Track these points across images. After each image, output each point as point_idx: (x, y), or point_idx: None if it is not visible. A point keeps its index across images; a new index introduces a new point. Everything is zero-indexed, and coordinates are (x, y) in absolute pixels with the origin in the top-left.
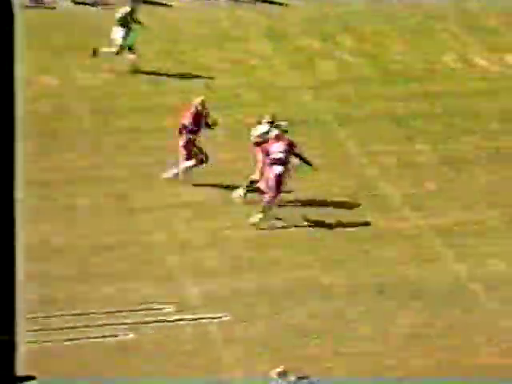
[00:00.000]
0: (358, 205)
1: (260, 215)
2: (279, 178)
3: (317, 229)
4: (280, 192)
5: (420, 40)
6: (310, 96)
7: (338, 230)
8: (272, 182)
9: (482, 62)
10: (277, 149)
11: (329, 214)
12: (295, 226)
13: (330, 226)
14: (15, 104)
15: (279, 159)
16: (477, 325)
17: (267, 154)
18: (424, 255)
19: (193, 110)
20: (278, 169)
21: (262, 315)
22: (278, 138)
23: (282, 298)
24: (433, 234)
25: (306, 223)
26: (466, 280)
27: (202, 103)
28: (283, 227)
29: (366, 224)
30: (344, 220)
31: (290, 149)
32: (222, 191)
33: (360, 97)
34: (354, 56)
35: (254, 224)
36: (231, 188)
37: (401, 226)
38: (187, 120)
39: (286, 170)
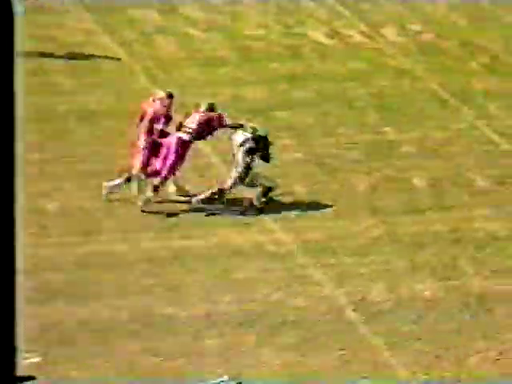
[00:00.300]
0: (210, 215)
1: (151, 193)
2: (182, 145)
3: (156, 245)
4: (177, 165)
5: (282, 11)
6: (145, 82)
7: (185, 246)
8: (173, 152)
9: (359, 38)
10: (191, 119)
11: (173, 227)
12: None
13: (173, 242)
14: (15, 105)
15: (189, 128)
16: (355, 363)
17: (180, 124)
18: (293, 278)
19: (159, 104)
20: (184, 136)
21: (84, 353)
22: (199, 111)
23: (110, 331)
24: (304, 251)
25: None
26: (344, 308)
27: (170, 97)
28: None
29: (222, 238)
30: (193, 234)
31: (210, 123)
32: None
33: (210, 81)
34: (203, 31)
35: (145, 201)
36: None
37: (264, 241)
38: (157, 118)
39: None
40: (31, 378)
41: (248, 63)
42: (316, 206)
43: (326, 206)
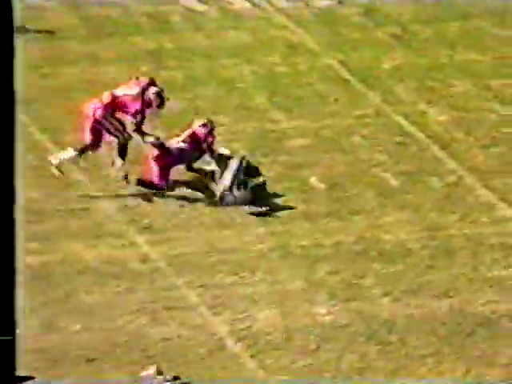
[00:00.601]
0: (60, 221)
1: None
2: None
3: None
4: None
5: None
6: None
7: (35, 261)
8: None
9: (240, 3)
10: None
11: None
12: None
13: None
14: (15, 105)
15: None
16: None
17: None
18: (160, 301)
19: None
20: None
21: None
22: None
23: None
24: (175, 268)
25: None
26: (225, 339)
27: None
28: None
29: (68, 253)
30: (29, 248)
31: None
32: None
33: (52, 59)
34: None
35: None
36: None
37: (123, 256)
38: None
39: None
40: (30, 377)
41: (101, 36)
42: (190, 212)
43: (202, 213)
